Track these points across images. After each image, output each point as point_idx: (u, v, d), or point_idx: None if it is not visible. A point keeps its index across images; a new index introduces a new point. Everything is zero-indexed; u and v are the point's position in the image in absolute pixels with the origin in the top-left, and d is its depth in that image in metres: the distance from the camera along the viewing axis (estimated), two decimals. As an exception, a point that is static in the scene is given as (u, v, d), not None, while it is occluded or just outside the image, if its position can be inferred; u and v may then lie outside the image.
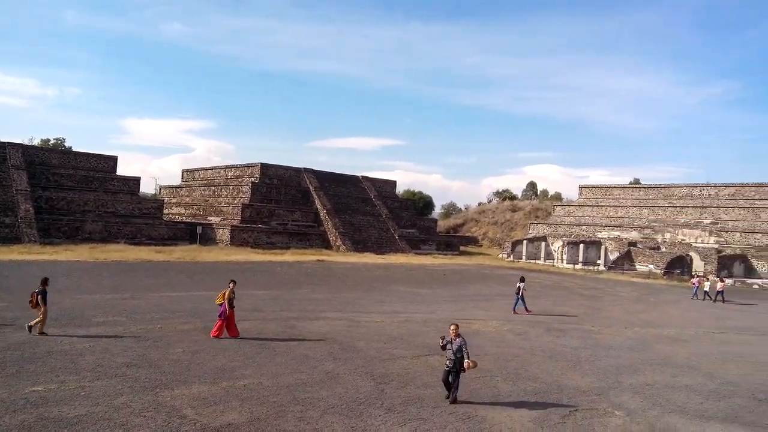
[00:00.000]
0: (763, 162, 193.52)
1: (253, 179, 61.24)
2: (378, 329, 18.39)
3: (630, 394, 12.56)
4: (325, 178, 67.02)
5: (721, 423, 10.91)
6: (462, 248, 69.85)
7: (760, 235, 55.80)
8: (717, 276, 39.00)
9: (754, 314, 29.76)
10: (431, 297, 28.15)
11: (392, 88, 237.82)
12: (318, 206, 61.52)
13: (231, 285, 16.16)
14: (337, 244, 57.05)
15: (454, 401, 10.96)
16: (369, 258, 50.91)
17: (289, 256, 46.50)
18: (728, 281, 45.48)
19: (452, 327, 11.42)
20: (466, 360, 10.94)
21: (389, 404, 10.78)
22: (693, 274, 46.22)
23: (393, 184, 76.77)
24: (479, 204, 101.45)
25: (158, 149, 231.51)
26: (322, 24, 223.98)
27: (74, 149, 71.52)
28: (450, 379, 11.09)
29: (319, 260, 45.33)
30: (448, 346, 11.13)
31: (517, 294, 24.40)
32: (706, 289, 35.21)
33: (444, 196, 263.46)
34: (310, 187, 63.69)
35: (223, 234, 52.34)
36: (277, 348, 14.80)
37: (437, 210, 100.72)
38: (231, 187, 62.37)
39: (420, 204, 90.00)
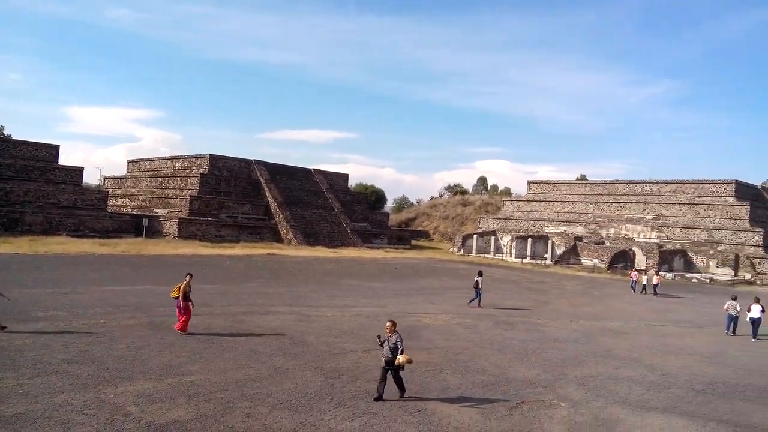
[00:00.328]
0: (704, 159, 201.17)
1: (201, 171, 59.98)
2: (329, 323, 18.34)
3: (575, 385, 12.89)
4: (277, 170, 66.24)
5: (661, 413, 11.31)
6: (413, 242, 70.25)
7: (699, 230, 58.08)
8: (656, 270, 40.38)
9: (692, 307, 30.97)
10: (383, 291, 28.23)
11: (344, 80, 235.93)
12: (269, 199, 60.80)
13: (187, 278, 15.87)
14: (289, 237, 56.56)
15: (402, 396, 10.97)
16: (321, 252, 50.67)
17: (239, 250, 45.84)
18: (669, 275, 47.30)
19: (388, 324, 11.29)
20: (398, 356, 10.78)
21: (339, 399, 10.75)
22: (635, 268, 47.74)
23: (345, 177, 76.52)
24: (431, 198, 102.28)
25: (103, 138, 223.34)
26: (271, 13, 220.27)
27: (14, 137, 68.60)
28: (393, 376, 10.95)
29: (269, 254, 44.85)
30: (385, 344, 10.98)
31: (476, 288, 24.51)
32: (644, 282, 36.47)
33: (396, 189, 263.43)
34: (261, 180, 62.86)
35: (171, 227, 51.13)
36: (225, 343, 14.58)
37: (389, 204, 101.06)
38: (179, 179, 60.92)
39: (372, 198, 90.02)
